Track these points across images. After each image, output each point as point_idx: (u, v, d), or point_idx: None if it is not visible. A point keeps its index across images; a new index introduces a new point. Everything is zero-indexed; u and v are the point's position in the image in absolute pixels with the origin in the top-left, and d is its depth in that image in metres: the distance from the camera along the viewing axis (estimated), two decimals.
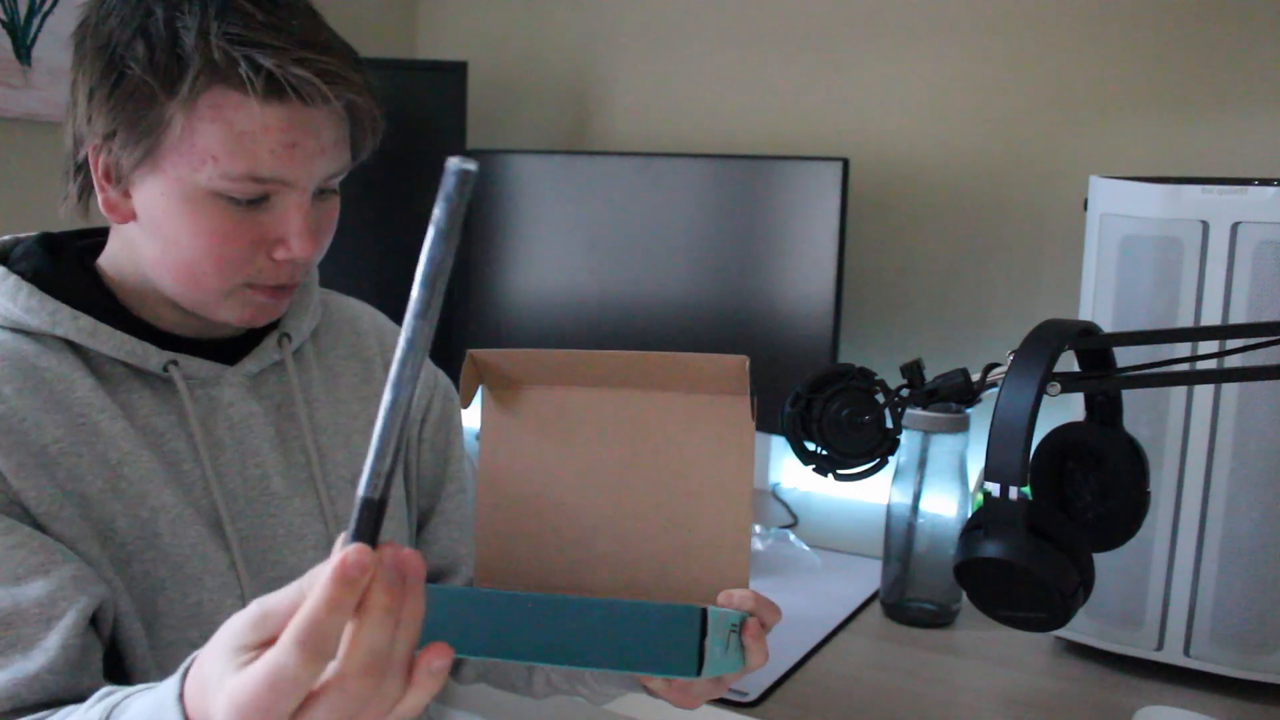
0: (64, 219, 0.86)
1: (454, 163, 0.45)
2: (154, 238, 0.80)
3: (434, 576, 1.02)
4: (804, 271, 1.59)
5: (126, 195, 0.80)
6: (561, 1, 1.99)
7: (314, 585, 0.48)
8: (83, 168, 0.81)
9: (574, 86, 2.00)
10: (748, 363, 0.74)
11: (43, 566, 0.72)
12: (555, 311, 1.85)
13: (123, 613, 0.77)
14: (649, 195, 1.73)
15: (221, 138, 0.75)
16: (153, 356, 0.82)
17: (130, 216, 0.81)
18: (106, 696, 0.65)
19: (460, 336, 1.92)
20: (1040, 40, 1.60)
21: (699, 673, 0.64)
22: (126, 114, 0.76)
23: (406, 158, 1.85)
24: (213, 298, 0.82)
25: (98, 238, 0.89)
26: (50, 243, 0.87)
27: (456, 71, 1.81)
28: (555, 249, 1.85)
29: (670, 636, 0.63)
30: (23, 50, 1.47)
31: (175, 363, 0.83)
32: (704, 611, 0.64)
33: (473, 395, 0.79)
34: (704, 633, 0.63)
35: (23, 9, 1.46)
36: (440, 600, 0.65)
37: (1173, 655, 1.09)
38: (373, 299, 1.08)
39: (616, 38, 1.95)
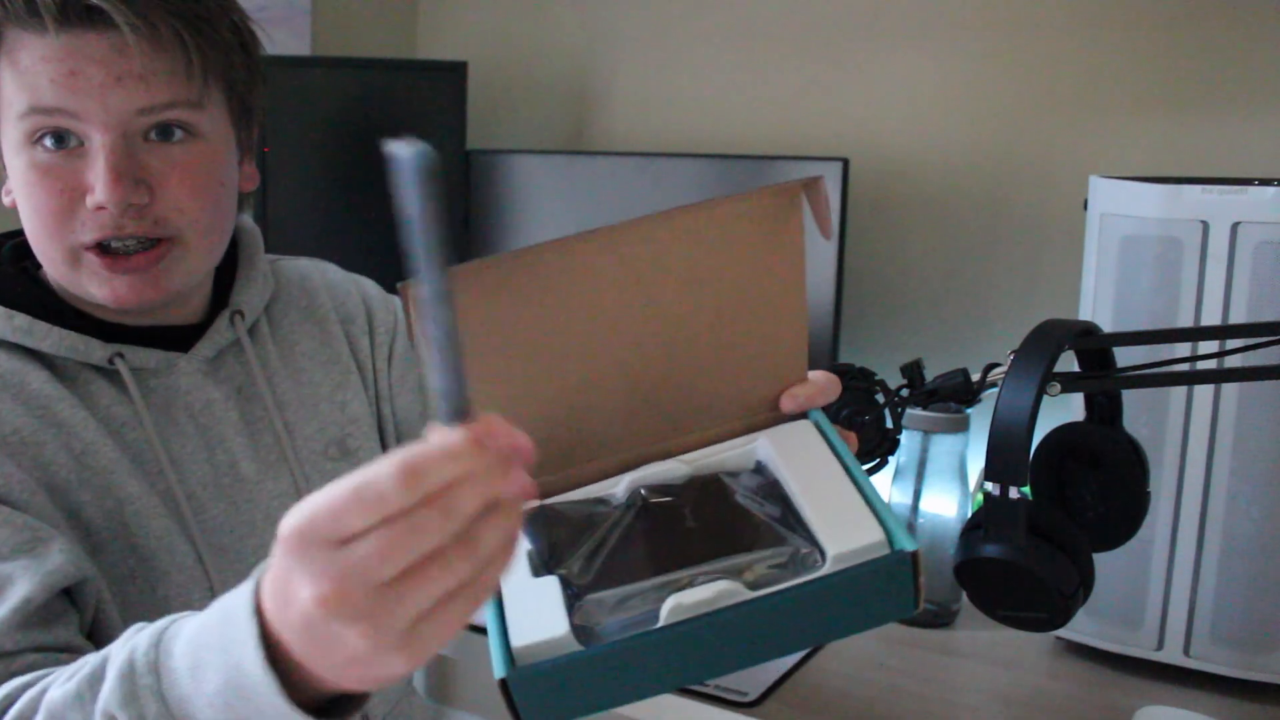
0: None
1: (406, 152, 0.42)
2: (20, 208, 0.78)
3: None
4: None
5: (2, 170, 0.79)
6: (561, 1, 1.99)
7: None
8: None
9: (574, 86, 2.00)
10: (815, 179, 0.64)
11: (28, 545, 0.70)
12: None
13: (104, 600, 0.76)
14: (649, 195, 1.73)
15: (11, 78, 0.73)
16: (96, 350, 0.79)
17: (8, 193, 0.80)
18: (139, 632, 0.60)
19: None
20: (1040, 40, 1.60)
21: (917, 606, 0.59)
22: None
23: None
24: (64, 268, 0.78)
25: None
26: None
27: (456, 71, 1.81)
28: None
29: (884, 591, 0.57)
30: None
31: (121, 355, 0.80)
32: (914, 554, 0.57)
33: None
34: (917, 571, 0.57)
35: None
36: (640, 646, 0.54)
37: (1173, 655, 1.09)
38: None
39: (616, 38, 1.95)
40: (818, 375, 0.68)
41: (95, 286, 0.78)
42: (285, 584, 0.48)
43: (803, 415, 0.67)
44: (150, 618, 0.77)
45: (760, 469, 0.64)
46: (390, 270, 1.01)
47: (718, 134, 1.86)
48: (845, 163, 1.53)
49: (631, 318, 0.63)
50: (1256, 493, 1.04)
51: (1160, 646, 1.10)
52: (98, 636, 0.76)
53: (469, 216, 1.90)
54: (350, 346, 0.96)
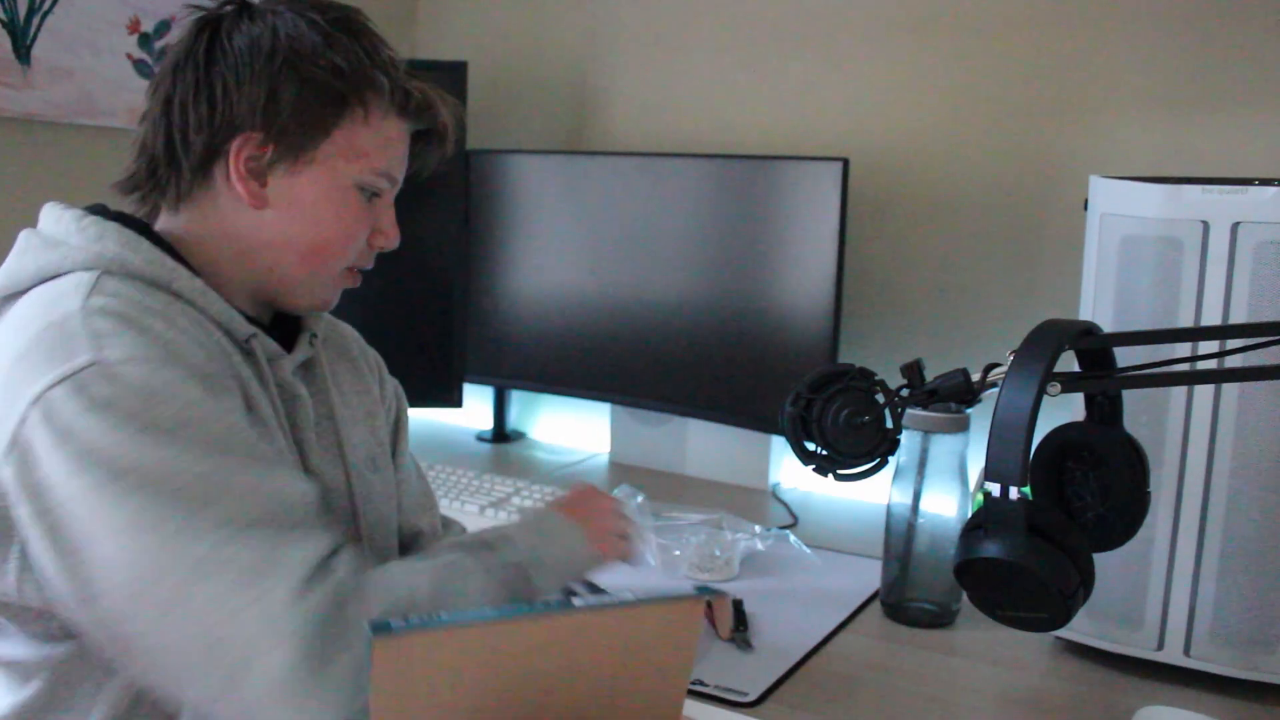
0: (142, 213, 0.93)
1: None
2: (294, 221, 0.91)
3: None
4: (804, 271, 1.59)
5: (262, 184, 0.90)
6: (562, 1, 1.99)
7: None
8: (169, 161, 0.89)
9: (574, 86, 2.00)
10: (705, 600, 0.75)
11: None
12: (555, 311, 1.85)
13: None
14: (649, 195, 1.73)
15: (375, 141, 0.92)
16: (240, 326, 0.89)
17: (264, 203, 0.90)
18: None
19: (461, 336, 1.92)
20: (1040, 40, 1.60)
21: None
22: (310, 113, 0.88)
23: None
24: (328, 275, 0.95)
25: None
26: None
27: (456, 71, 1.81)
28: (555, 249, 1.85)
29: None
30: (22, 50, 1.47)
31: (256, 335, 0.90)
32: None
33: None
34: None
35: (22, 9, 1.46)
36: None
37: (1173, 655, 1.09)
38: (372, 295, 1.09)
39: (616, 38, 1.95)
40: None
41: (328, 292, 0.96)
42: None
43: None
44: None
45: None
46: (384, 268, 1.02)
47: (718, 134, 1.86)
48: (845, 163, 1.53)
49: (538, 694, 0.71)
50: (1256, 493, 1.04)
51: (1160, 646, 1.10)
52: None
53: (469, 216, 1.90)
54: (372, 386, 1.10)
